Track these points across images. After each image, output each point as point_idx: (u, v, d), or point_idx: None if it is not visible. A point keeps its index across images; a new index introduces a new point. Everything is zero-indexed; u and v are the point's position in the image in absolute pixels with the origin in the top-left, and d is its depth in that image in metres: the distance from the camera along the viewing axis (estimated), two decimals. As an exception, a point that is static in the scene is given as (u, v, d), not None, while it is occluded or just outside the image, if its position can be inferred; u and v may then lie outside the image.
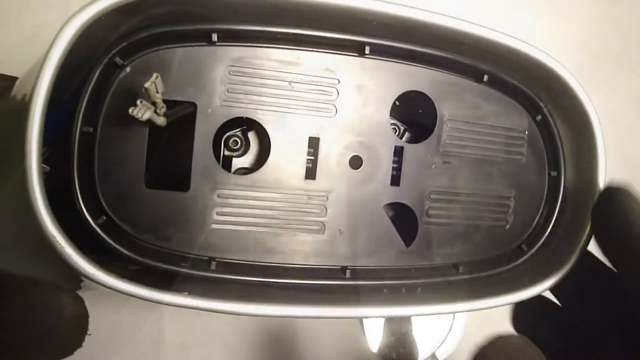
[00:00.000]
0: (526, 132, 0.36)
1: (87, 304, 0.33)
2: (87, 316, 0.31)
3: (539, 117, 0.36)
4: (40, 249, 0.30)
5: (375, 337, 0.53)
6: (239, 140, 0.34)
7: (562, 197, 0.37)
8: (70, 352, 0.31)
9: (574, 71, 0.32)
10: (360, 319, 0.54)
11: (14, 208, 0.30)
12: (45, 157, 0.29)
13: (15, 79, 0.34)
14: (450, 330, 0.56)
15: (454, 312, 0.34)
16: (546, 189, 0.37)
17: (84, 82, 0.28)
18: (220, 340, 0.54)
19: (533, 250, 0.36)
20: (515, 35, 0.31)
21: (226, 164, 0.34)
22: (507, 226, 0.36)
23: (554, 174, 0.36)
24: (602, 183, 0.36)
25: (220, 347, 0.54)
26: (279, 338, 0.55)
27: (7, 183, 0.29)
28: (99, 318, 0.51)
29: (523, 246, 0.36)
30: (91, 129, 0.28)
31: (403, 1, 0.28)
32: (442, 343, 0.55)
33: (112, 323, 0.52)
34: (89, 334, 0.32)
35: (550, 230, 0.36)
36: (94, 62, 0.28)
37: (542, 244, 0.36)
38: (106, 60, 0.28)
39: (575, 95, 0.35)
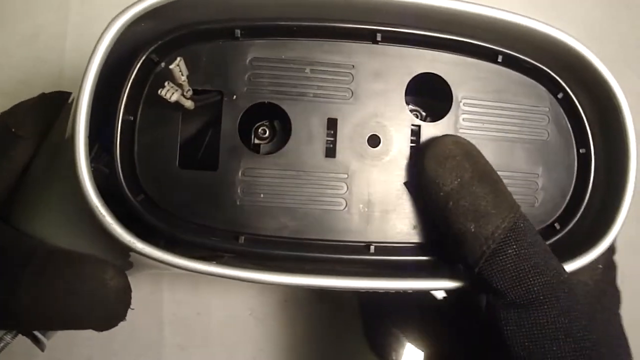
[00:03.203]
0: (548, 110, 0.36)
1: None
2: (130, 290, 0.33)
3: (560, 95, 0.36)
4: (90, 232, 0.33)
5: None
6: (266, 129, 0.37)
7: (594, 174, 0.36)
8: (113, 323, 0.33)
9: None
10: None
11: (67, 194, 0.34)
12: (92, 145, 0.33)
13: (70, 93, 0.39)
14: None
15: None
16: (576, 166, 0.36)
17: (124, 77, 0.32)
18: (220, 340, 0.54)
19: (567, 229, 0.36)
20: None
21: (256, 151, 0.37)
22: (536, 204, 0.35)
23: (582, 151, 0.36)
24: (633, 160, 0.35)
25: (220, 347, 0.54)
26: (278, 339, 0.54)
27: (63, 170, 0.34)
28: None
29: (556, 224, 0.36)
30: (131, 117, 0.32)
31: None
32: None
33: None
34: (132, 309, 0.34)
35: (584, 208, 0.36)
36: (133, 60, 0.32)
37: (576, 222, 0.36)
38: (144, 57, 0.32)
39: (598, 72, 0.35)
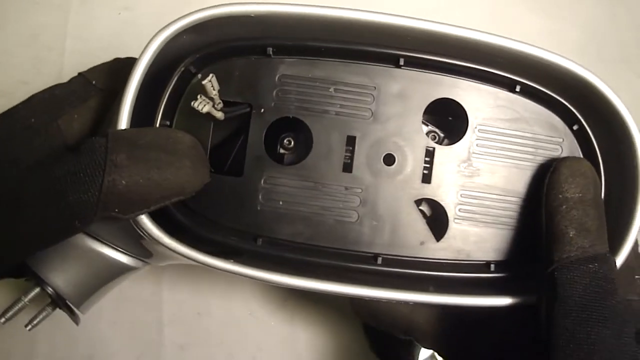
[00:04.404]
0: (562, 140, 0.37)
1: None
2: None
3: (575, 127, 0.37)
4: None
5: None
6: (291, 140, 0.39)
7: (605, 206, 0.37)
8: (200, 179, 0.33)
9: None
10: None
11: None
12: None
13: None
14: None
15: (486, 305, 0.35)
16: (586, 197, 0.37)
17: (164, 85, 0.35)
18: (220, 340, 0.54)
19: (571, 256, 0.37)
20: (521, 38, 0.34)
21: (280, 160, 0.39)
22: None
23: (593, 182, 0.37)
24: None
25: (220, 347, 0.54)
26: (278, 339, 0.55)
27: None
28: (99, 318, 0.53)
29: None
30: (168, 122, 0.36)
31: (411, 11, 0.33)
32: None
33: (112, 323, 0.54)
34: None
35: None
36: (173, 70, 0.35)
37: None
38: (183, 69, 0.35)
39: (612, 106, 0.36)
